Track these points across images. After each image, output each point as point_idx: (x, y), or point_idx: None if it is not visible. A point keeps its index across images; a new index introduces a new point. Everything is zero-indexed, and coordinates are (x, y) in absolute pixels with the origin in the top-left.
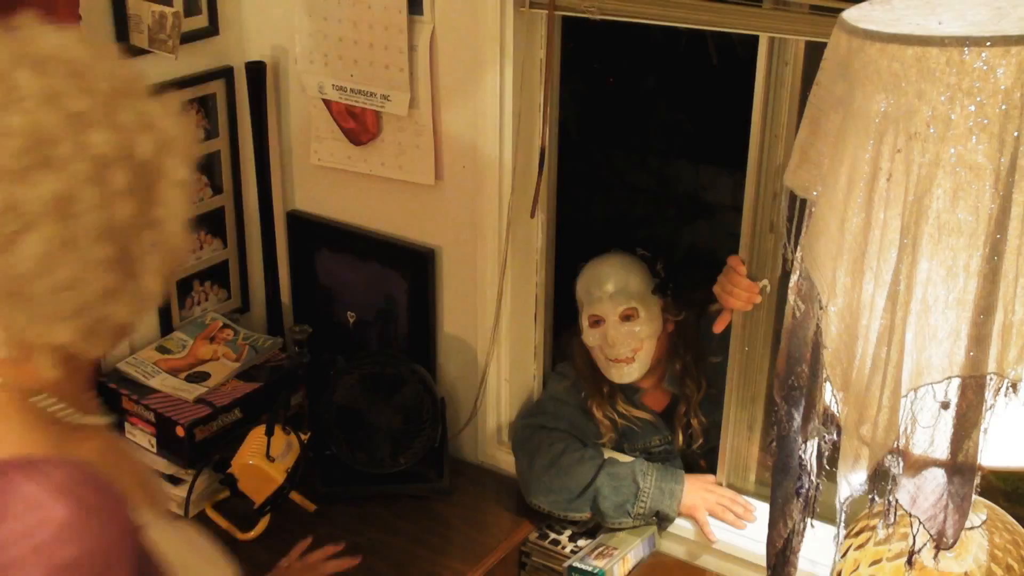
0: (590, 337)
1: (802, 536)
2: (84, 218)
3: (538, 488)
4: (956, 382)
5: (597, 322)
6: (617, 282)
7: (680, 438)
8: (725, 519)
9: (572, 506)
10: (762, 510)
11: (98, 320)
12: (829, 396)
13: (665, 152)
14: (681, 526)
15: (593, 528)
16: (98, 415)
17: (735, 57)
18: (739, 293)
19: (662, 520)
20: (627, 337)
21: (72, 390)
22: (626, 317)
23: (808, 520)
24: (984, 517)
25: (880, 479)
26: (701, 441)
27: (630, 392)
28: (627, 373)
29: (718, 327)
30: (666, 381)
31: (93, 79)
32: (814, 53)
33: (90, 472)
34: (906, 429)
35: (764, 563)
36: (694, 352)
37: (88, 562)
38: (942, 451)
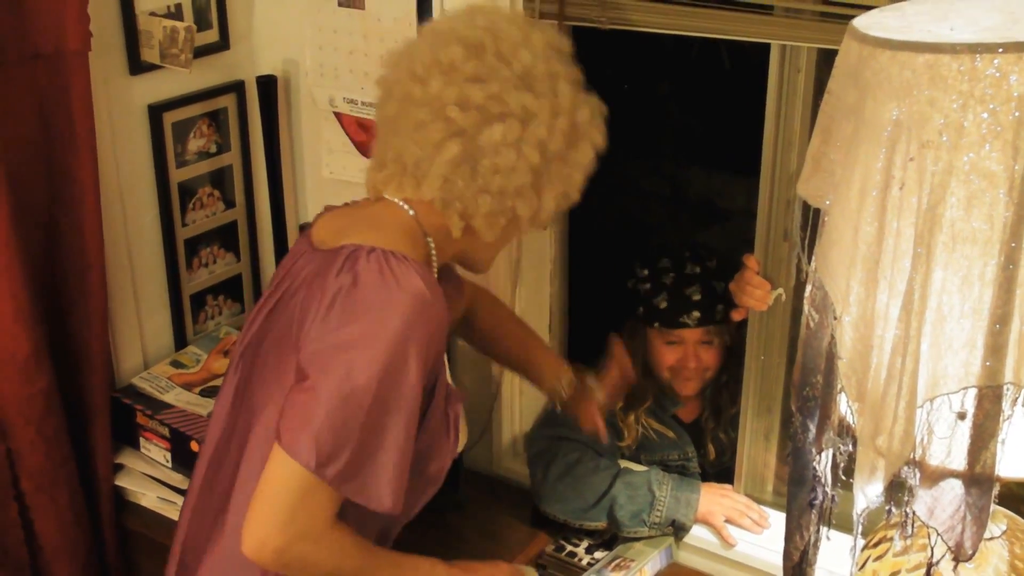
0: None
1: (818, 548)
2: (533, 130)
3: (552, 497)
4: (972, 392)
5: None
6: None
7: (711, 452)
8: (742, 524)
9: (588, 515)
10: (778, 520)
11: (504, 208)
12: (844, 407)
13: (679, 158)
14: (699, 537)
15: (610, 540)
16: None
17: (749, 62)
18: (752, 291)
19: (678, 529)
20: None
21: (449, 254)
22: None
23: (824, 532)
24: (1004, 527)
25: (897, 490)
26: (729, 455)
27: (669, 404)
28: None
29: (736, 316)
30: (705, 392)
31: (562, 55)
32: (827, 60)
33: (436, 282)
34: (922, 440)
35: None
36: (735, 368)
37: (422, 329)
38: (959, 462)
